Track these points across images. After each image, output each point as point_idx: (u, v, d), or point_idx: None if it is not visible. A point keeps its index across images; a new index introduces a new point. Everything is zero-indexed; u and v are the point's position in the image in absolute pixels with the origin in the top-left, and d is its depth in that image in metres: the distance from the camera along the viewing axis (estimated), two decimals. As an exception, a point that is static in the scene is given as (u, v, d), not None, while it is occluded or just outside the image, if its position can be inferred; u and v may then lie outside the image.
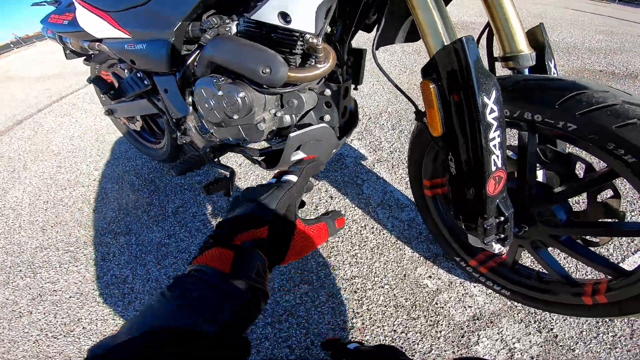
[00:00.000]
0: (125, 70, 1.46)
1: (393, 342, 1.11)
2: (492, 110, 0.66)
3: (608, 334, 1.05)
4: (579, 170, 0.89)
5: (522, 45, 0.83)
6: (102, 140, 2.41)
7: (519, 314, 1.13)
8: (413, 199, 1.53)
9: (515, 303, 1.15)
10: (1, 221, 1.85)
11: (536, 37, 0.85)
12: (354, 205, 1.58)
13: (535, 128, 0.76)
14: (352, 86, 1.10)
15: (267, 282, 0.44)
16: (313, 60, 0.87)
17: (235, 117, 0.99)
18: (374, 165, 1.78)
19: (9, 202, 1.99)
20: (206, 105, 1.04)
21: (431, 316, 1.16)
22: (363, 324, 1.16)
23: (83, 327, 1.30)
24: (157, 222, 1.68)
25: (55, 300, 1.41)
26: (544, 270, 1.02)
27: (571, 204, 0.89)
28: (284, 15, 0.77)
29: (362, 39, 1.17)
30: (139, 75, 1.31)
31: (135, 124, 1.80)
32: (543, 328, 1.09)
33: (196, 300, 0.38)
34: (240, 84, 0.94)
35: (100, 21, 1.19)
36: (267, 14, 0.80)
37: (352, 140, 1.97)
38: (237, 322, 0.39)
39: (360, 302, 1.22)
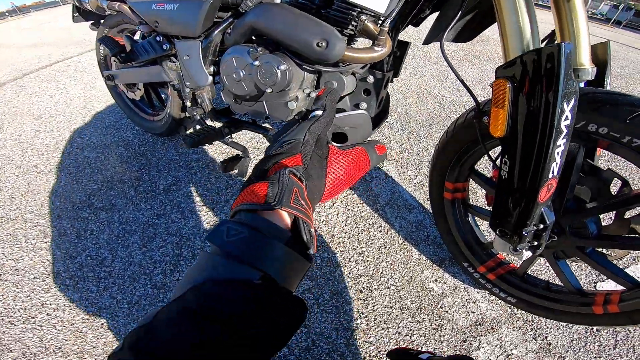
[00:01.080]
0: (138, 35, 1.36)
1: (397, 344, 1.08)
2: (566, 117, 0.65)
3: (595, 343, 1.09)
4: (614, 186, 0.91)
5: (585, 59, 0.83)
6: (90, 108, 2.23)
7: (518, 321, 1.14)
8: (421, 201, 1.53)
9: (515, 310, 1.17)
10: (-36, 185, 1.66)
11: (599, 53, 0.86)
12: (362, 202, 1.54)
13: (589, 140, 0.76)
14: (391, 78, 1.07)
15: (310, 211, 0.42)
16: (371, 42, 0.82)
17: (268, 90, 0.94)
18: (383, 164, 1.75)
19: (-25, 164, 1.79)
20: (234, 75, 0.97)
21: (435, 320, 1.14)
22: (368, 324, 1.13)
23: (47, 314, 1.16)
24: (145, 200, 1.55)
25: (16, 281, 1.25)
26: (552, 280, 1.04)
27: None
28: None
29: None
30: (158, 39, 1.22)
31: (135, 93, 1.68)
32: (538, 336, 1.11)
33: (240, 249, 0.36)
34: (281, 55, 0.89)
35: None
36: (332, -15, 0.75)
37: (360, 138, 1.94)
38: (285, 269, 0.37)
39: (366, 302, 1.18)
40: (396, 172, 1.71)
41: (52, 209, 1.53)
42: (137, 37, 1.52)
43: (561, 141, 0.67)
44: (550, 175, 0.71)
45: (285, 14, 0.84)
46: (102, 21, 1.60)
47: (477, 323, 1.14)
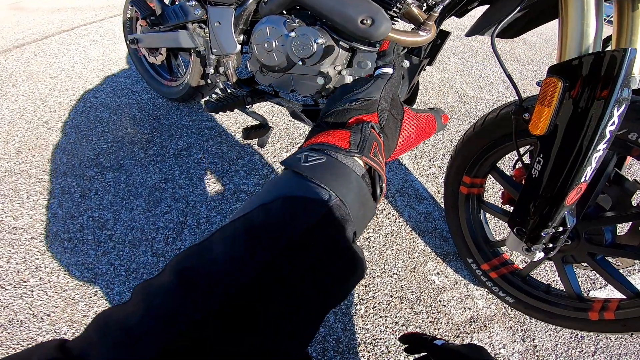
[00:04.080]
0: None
1: (393, 334, 1.09)
2: (613, 123, 0.65)
3: (576, 349, 1.11)
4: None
5: (636, 68, 0.82)
6: (107, 70, 2.19)
7: (510, 322, 1.15)
8: (432, 193, 1.53)
9: (510, 310, 1.19)
10: (-28, 137, 1.63)
11: None
12: None
13: (626, 148, 0.76)
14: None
15: (384, 168, 0.42)
16: (417, 26, 0.82)
17: (300, 63, 0.93)
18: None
19: (-14, 117, 1.76)
20: (266, 45, 0.97)
21: (433, 313, 1.15)
22: (367, 311, 1.13)
23: (40, 278, 1.12)
24: (154, 162, 1.54)
25: (12, 240, 1.22)
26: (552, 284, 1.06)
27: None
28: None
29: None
30: (190, 3, 1.22)
31: (157, 58, 1.67)
32: (527, 337, 1.13)
33: (317, 172, 0.35)
34: (319, 29, 0.88)
35: None
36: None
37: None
38: (358, 203, 0.36)
39: (367, 288, 1.19)
40: (410, 161, 1.70)
41: (58, 165, 1.50)
42: (167, 0, 1.51)
43: (601, 146, 0.67)
44: (583, 180, 0.70)
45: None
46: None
47: (472, 320, 1.15)
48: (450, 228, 1.25)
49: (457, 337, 1.10)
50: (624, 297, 0.90)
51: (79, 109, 1.84)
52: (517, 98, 0.80)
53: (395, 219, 1.42)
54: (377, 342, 1.07)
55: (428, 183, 1.60)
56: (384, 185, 0.41)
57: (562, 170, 0.71)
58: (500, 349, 1.10)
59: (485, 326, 1.14)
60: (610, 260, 0.96)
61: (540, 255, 0.86)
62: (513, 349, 1.10)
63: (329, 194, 0.34)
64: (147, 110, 1.86)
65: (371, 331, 1.09)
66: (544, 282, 1.14)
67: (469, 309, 1.17)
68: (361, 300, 1.15)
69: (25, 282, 1.12)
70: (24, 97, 1.93)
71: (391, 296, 1.17)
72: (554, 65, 0.69)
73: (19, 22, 2.90)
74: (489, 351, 1.05)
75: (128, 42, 1.62)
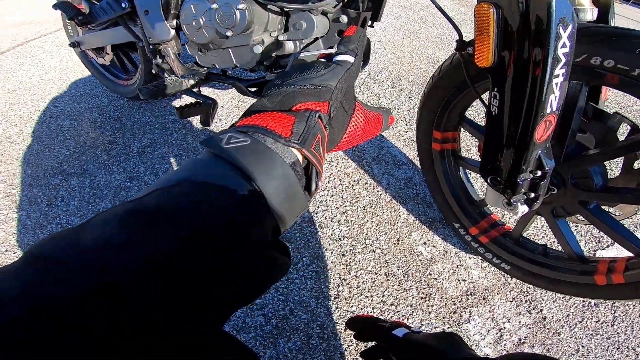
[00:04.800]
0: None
1: (382, 314, 1.01)
2: (564, 45, 0.59)
3: (592, 319, 1.02)
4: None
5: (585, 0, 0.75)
6: (65, 79, 2.15)
7: (512, 292, 1.07)
8: (411, 157, 1.45)
9: (510, 279, 1.09)
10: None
11: None
12: (347, 158, 1.45)
13: (594, 76, 0.69)
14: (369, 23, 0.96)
15: (324, 161, 0.39)
16: None
17: (229, 33, 0.86)
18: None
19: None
20: (194, 23, 0.93)
21: (424, 288, 1.07)
22: (350, 292, 1.05)
23: None
24: (118, 163, 1.48)
25: None
26: (550, 244, 0.97)
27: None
28: None
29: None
30: None
31: (104, 58, 1.61)
32: (533, 309, 1.04)
33: (238, 156, 0.31)
34: None
35: None
36: None
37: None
38: (284, 198, 0.33)
39: (349, 267, 1.10)
40: None
41: (23, 177, 1.47)
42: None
43: (559, 70, 0.60)
44: (549, 110, 0.63)
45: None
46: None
47: (468, 292, 1.07)
48: (432, 191, 1.17)
49: (453, 314, 1.02)
50: (631, 254, 0.80)
51: (39, 120, 1.79)
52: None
53: (374, 189, 1.33)
54: (365, 324, 0.99)
55: (406, 147, 1.51)
56: (319, 182, 0.39)
57: (521, 102, 0.64)
58: (504, 323, 1.01)
59: (484, 299, 1.05)
60: (608, 210, 0.87)
61: (524, 208, 0.77)
62: (519, 322, 1.01)
63: (245, 181, 0.30)
64: (108, 113, 1.80)
65: (357, 313, 1.01)
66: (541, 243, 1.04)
67: (464, 280, 1.09)
68: (343, 281, 1.07)
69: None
70: (-16, 114, 1.88)
71: (375, 273, 1.09)
72: None
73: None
74: (490, 327, 1.00)
75: (70, 46, 1.58)
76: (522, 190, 0.74)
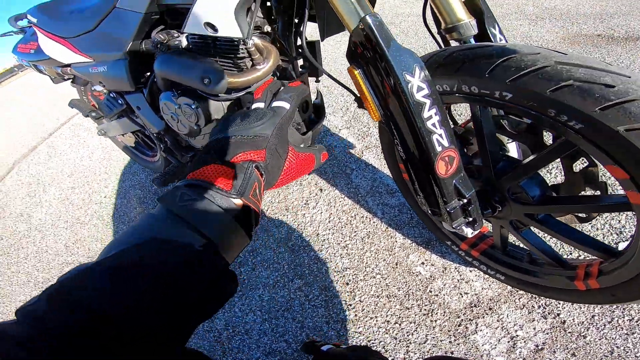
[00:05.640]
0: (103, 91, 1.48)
1: (387, 333, 1.10)
2: (420, 88, 0.61)
3: (624, 317, 0.96)
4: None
5: (461, 14, 0.78)
6: (108, 157, 2.48)
7: (521, 299, 1.06)
8: None
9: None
10: (30, 242, 2.00)
11: (474, 5, 0.80)
12: (343, 196, 1.55)
13: (482, 101, 0.70)
14: (313, 79, 1.06)
15: (261, 204, 0.46)
16: (250, 63, 0.85)
17: (196, 128, 0.99)
18: (362, 153, 1.74)
19: (34, 224, 2.13)
20: (172, 118, 1.05)
21: (425, 305, 1.13)
22: (356, 315, 1.16)
23: None
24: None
25: None
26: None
27: (547, 179, 0.84)
28: (211, 25, 0.76)
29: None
30: (112, 95, 1.33)
31: (129, 140, 1.83)
32: (549, 314, 1.02)
33: (190, 213, 0.39)
34: (193, 94, 0.94)
35: (62, 48, 1.20)
36: (196, 26, 0.78)
37: (340, 129, 1.93)
38: (228, 241, 0.41)
39: (353, 293, 1.21)
40: (376, 158, 1.68)
41: (96, 251, 1.78)
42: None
43: (428, 112, 0.64)
44: (440, 148, 0.67)
45: (173, 59, 0.90)
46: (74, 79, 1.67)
47: (472, 304, 1.09)
48: (417, 214, 1.22)
49: (458, 326, 1.05)
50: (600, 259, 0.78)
51: (97, 201, 2.12)
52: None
53: (370, 220, 1.42)
54: (373, 343, 1.09)
55: (397, 174, 1.56)
56: (259, 219, 0.46)
57: (413, 146, 0.68)
58: (516, 331, 1.00)
59: (490, 309, 1.07)
60: (580, 215, 0.86)
61: (468, 230, 0.82)
62: (534, 329, 1.00)
63: (197, 238, 0.38)
64: (148, 187, 2.06)
65: (364, 333, 1.11)
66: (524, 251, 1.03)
67: (466, 293, 1.12)
68: (349, 306, 1.18)
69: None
70: (55, 200, 2.28)
71: (378, 296, 1.18)
72: (346, 54, 0.67)
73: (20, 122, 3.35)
74: (501, 336, 1.01)
75: (98, 135, 1.78)
76: (459, 216, 0.77)
